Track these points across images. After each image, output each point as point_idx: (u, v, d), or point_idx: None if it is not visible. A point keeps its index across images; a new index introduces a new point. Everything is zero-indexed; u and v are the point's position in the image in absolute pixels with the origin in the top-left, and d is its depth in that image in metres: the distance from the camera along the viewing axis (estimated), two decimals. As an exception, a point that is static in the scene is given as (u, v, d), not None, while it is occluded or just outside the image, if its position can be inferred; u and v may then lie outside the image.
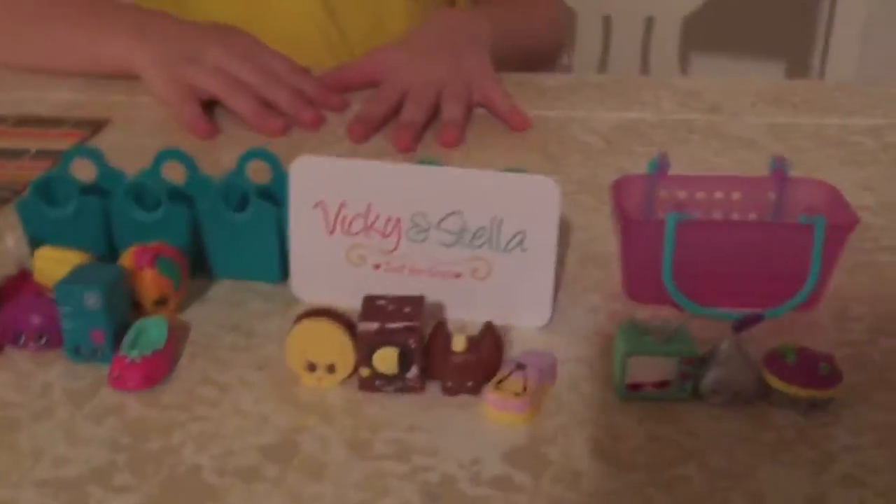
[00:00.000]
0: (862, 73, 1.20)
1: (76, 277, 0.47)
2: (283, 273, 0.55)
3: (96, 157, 0.57)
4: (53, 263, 0.49)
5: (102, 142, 0.75)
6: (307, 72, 0.83)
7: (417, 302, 0.47)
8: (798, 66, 1.59)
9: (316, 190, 0.52)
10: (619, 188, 0.54)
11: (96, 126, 0.77)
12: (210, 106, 0.79)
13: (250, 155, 0.57)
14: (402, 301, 0.47)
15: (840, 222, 0.50)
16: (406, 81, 0.79)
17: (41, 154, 0.71)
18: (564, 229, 0.61)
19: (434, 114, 0.77)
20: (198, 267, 0.56)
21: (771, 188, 0.55)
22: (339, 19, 0.98)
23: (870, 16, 1.16)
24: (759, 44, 1.59)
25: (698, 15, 1.22)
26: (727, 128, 0.76)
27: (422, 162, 0.54)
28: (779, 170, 0.54)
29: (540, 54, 1.01)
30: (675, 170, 0.68)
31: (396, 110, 0.78)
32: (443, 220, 0.51)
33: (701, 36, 1.47)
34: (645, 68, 1.25)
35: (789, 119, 0.77)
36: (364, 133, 0.76)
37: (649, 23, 1.23)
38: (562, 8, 1.09)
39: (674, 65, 1.23)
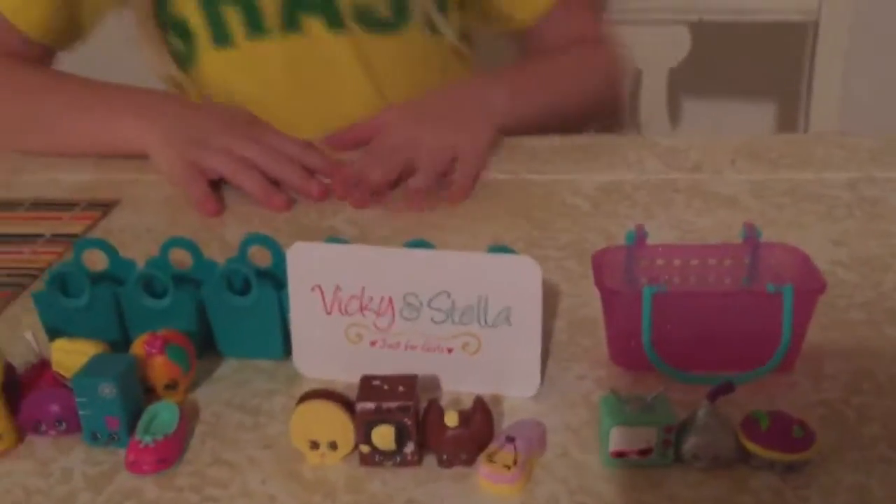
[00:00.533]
0: (848, 103, 1.23)
1: (91, 370, 0.51)
2: (286, 350, 0.58)
3: (107, 248, 0.60)
4: (69, 354, 0.53)
5: (113, 223, 0.79)
6: (311, 146, 0.87)
7: (411, 381, 0.50)
8: (785, 109, 1.63)
9: (312, 274, 0.55)
10: (600, 260, 0.57)
11: (107, 207, 0.81)
12: (216, 181, 0.83)
13: (251, 240, 0.61)
14: (396, 380, 0.50)
15: (808, 289, 0.52)
16: (394, 145, 0.83)
17: (56, 238, 0.75)
18: (552, 296, 0.64)
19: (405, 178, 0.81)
20: (205, 346, 0.59)
21: (744, 254, 0.58)
22: (388, 99, 1.01)
23: (850, 55, 1.20)
24: (746, 88, 1.63)
25: (684, 66, 1.26)
26: (709, 186, 0.79)
27: (412, 244, 0.57)
28: (750, 237, 0.57)
29: (588, 112, 1.00)
30: (659, 231, 0.72)
31: (394, 176, 0.81)
32: (433, 299, 0.54)
33: (689, 86, 1.51)
34: (635, 120, 1.29)
35: (768, 175, 0.80)
36: (364, 199, 0.79)
37: (637, 75, 1.27)
38: (618, 61, 1.04)
39: (663, 116, 1.27)
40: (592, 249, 0.60)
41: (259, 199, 0.80)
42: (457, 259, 0.53)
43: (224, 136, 0.83)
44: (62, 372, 0.53)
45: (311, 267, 0.55)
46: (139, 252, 0.70)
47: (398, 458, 0.50)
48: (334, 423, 0.50)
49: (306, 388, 0.53)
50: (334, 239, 0.59)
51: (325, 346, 0.56)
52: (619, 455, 0.48)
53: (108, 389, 0.50)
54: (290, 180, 0.82)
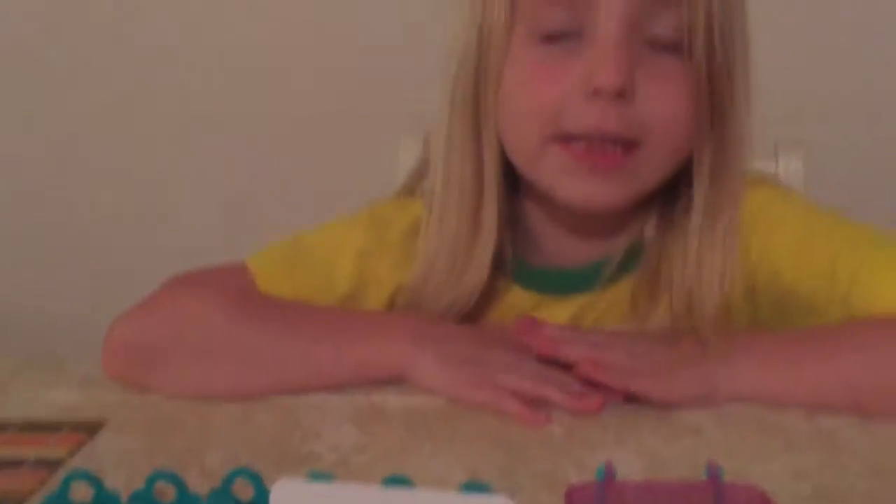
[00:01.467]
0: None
1: None
2: (263, 587, 0.59)
3: (93, 480, 0.62)
4: None
5: (98, 446, 0.80)
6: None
7: None
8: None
9: (295, 511, 0.57)
10: (572, 496, 0.60)
11: (92, 429, 0.83)
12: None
13: (235, 474, 0.63)
14: None
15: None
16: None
17: (40, 463, 0.76)
18: (527, 529, 0.66)
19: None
20: (183, 583, 0.59)
21: (708, 492, 0.60)
22: None
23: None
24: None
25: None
26: (675, 415, 0.82)
27: (391, 481, 0.59)
28: (714, 476, 0.60)
29: None
30: (626, 460, 0.75)
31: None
32: (411, 537, 0.55)
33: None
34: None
35: (730, 404, 0.84)
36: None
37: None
38: None
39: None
40: (564, 479, 0.63)
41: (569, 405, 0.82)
42: (435, 499, 0.56)
43: (502, 355, 0.85)
44: None
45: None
46: (123, 478, 0.72)
47: None
48: None
49: None
50: (317, 473, 0.61)
51: (303, 585, 0.57)
52: None
53: None
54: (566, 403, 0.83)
